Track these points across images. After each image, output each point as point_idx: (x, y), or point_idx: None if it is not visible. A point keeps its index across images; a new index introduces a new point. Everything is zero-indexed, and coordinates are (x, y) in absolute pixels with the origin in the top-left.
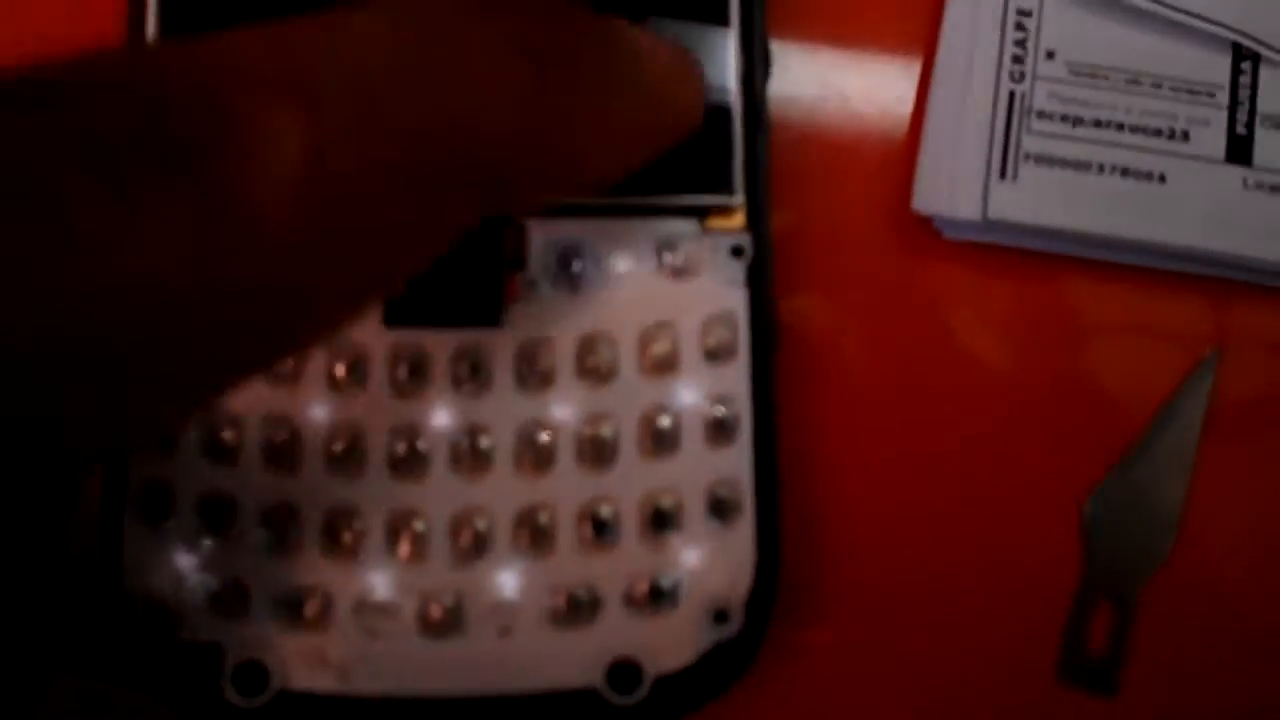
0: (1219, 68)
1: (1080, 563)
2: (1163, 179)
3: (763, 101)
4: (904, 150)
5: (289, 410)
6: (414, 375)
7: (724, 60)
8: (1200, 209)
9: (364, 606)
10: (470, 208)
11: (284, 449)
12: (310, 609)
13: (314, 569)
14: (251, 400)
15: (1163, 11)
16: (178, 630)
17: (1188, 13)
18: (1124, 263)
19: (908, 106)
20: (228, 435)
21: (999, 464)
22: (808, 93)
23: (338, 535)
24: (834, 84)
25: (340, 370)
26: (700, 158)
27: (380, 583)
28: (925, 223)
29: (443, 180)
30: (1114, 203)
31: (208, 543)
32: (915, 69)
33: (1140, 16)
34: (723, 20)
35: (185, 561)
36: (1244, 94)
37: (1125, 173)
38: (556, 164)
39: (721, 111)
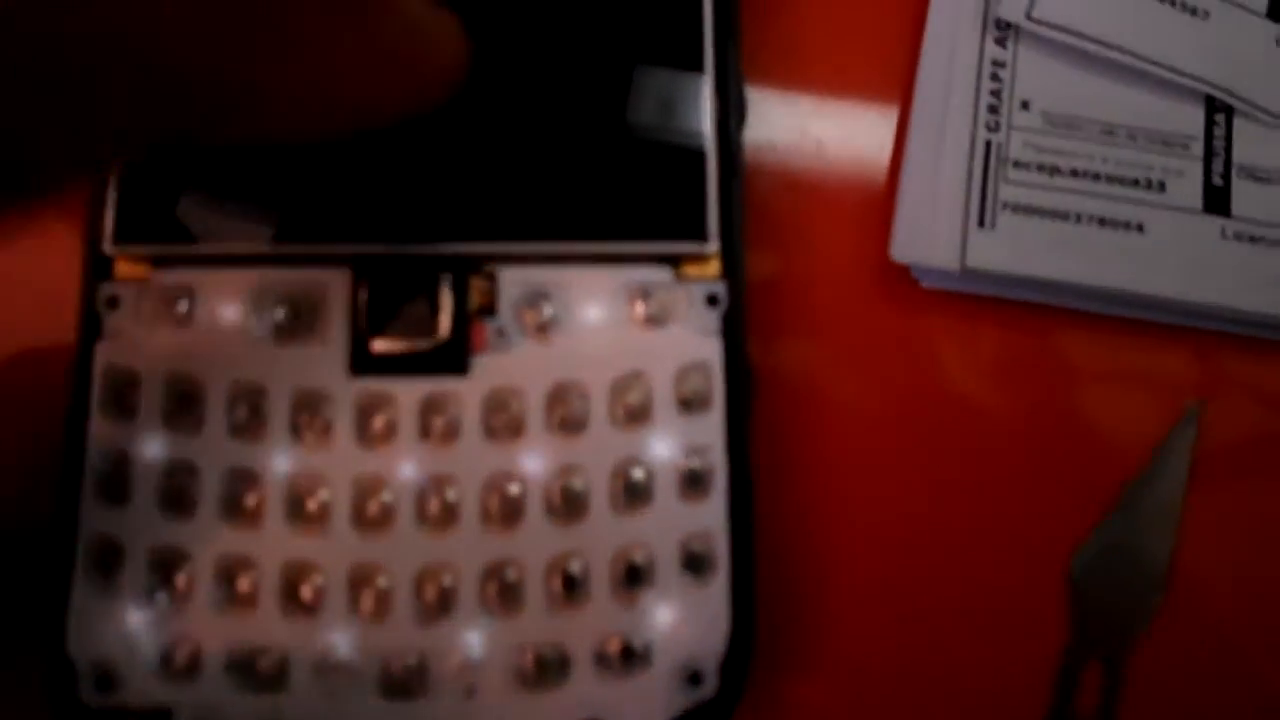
0: (1193, 119)
1: (1067, 618)
2: (1141, 229)
3: (738, 148)
4: (882, 198)
5: (249, 461)
6: (380, 426)
7: (699, 106)
8: (1179, 259)
9: (323, 666)
10: (137, 114)
11: (243, 501)
12: (266, 669)
13: (271, 627)
14: (210, 449)
15: (1135, 64)
16: (125, 693)
17: (1160, 65)
18: (1104, 312)
19: (885, 154)
20: (184, 486)
21: (982, 517)
22: (784, 139)
23: (296, 591)
24: (811, 130)
25: (305, 422)
26: (674, 204)
27: (341, 641)
28: (904, 271)
29: (95, 67)
30: (1093, 252)
31: (159, 598)
32: (893, 117)
33: (1114, 68)
34: (697, 66)
35: (135, 619)
36: (1219, 145)
37: (1103, 222)
38: (233, 88)
39: (696, 157)
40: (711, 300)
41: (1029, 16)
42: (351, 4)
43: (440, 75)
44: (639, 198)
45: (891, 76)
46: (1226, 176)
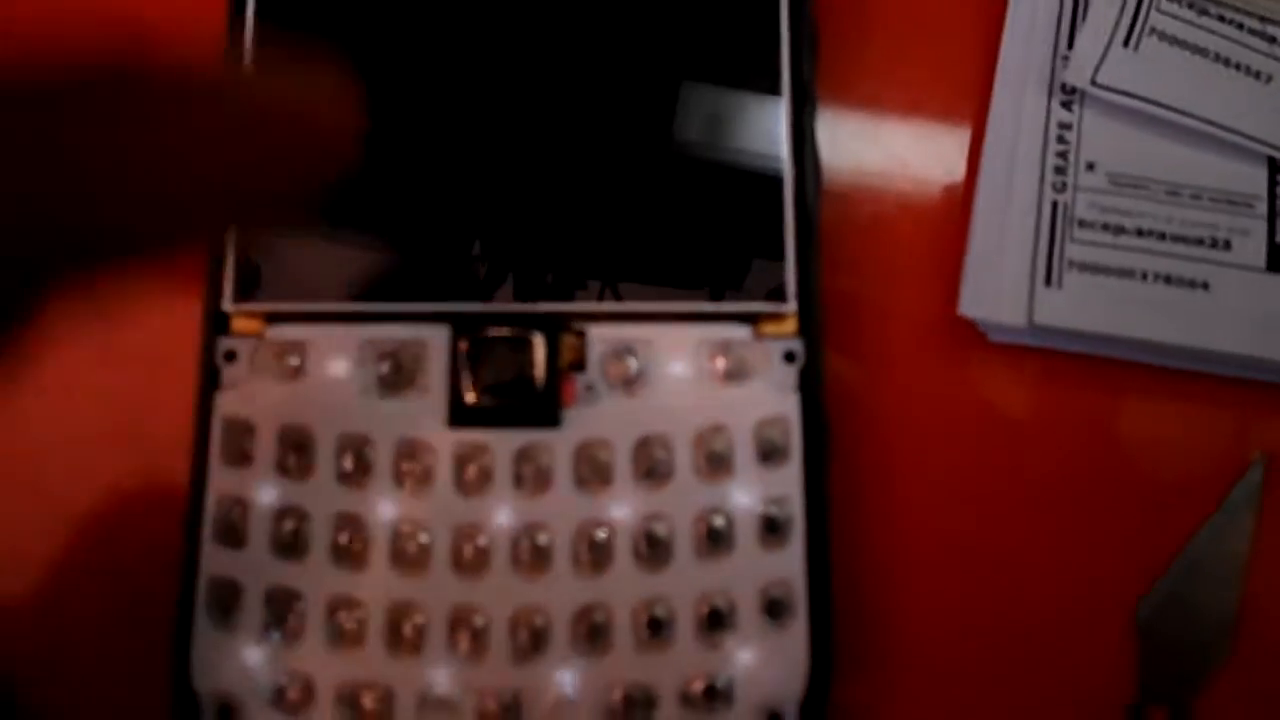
0: (1256, 179)
1: (1135, 668)
2: (1206, 286)
3: (815, 210)
4: (952, 253)
5: (355, 506)
6: (477, 474)
7: (777, 170)
8: (1244, 316)
9: (425, 702)
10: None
11: (349, 545)
12: (372, 703)
13: (376, 663)
14: (319, 496)
15: (1199, 126)
16: None
17: (1223, 127)
18: (1170, 366)
19: (954, 211)
20: (296, 530)
21: (1050, 564)
22: (857, 198)
23: (399, 630)
24: (882, 191)
25: (407, 470)
26: (754, 265)
27: (440, 678)
28: (972, 325)
29: None
30: (1159, 309)
31: (274, 636)
32: (960, 177)
33: (1177, 130)
34: (775, 131)
35: (252, 655)
36: None
37: (1169, 280)
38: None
39: (774, 219)
40: (789, 357)
41: (1094, 82)
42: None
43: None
44: (720, 259)
45: (961, 139)
46: None
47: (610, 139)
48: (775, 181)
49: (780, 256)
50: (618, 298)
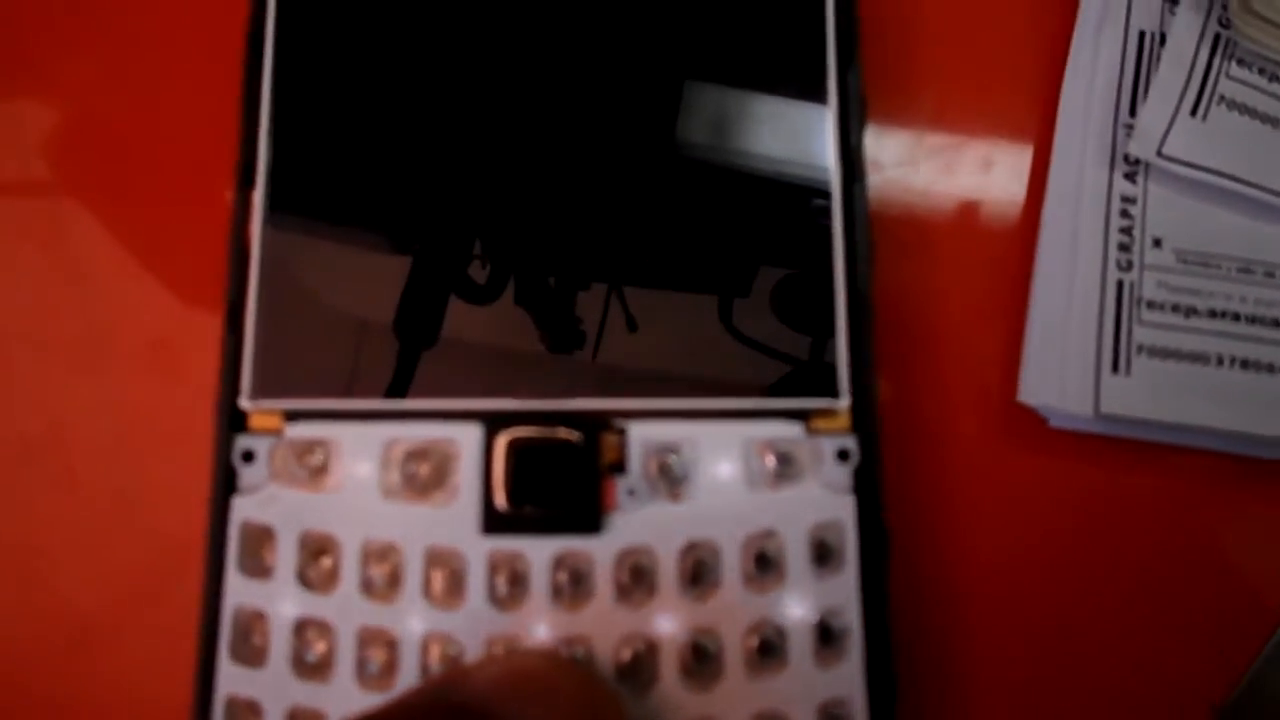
0: None
1: None
2: None
3: (868, 296)
4: (1010, 334)
5: (384, 623)
6: (512, 585)
7: (829, 258)
8: None
9: None
10: None
11: (378, 664)
12: None
13: None
14: (343, 608)
15: (1271, 199)
16: None
17: None
18: (1245, 454)
19: (1013, 289)
20: (320, 649)
21: (1122, 663)
22: (911, 281)
23: None
24: (935, 272)
25: (438, 581)
26: (804, 359)
27: None
28: (1032, 411)
29: None
30: (1234, 396)
31: None
32: (1020, 256)
33: (1248, 203)
34: (825, 223)
35: None
36: None
37: (1245, 365)
38: None
39: (825, 311)
40: (843, 455)
41: (1160, 153)
42: None
43: None
44: (769, 353)
45: (1019, 216)
46: None
47: (647, 242)
48: (826, 265)
49: (832, 350)
50: (661, 395)
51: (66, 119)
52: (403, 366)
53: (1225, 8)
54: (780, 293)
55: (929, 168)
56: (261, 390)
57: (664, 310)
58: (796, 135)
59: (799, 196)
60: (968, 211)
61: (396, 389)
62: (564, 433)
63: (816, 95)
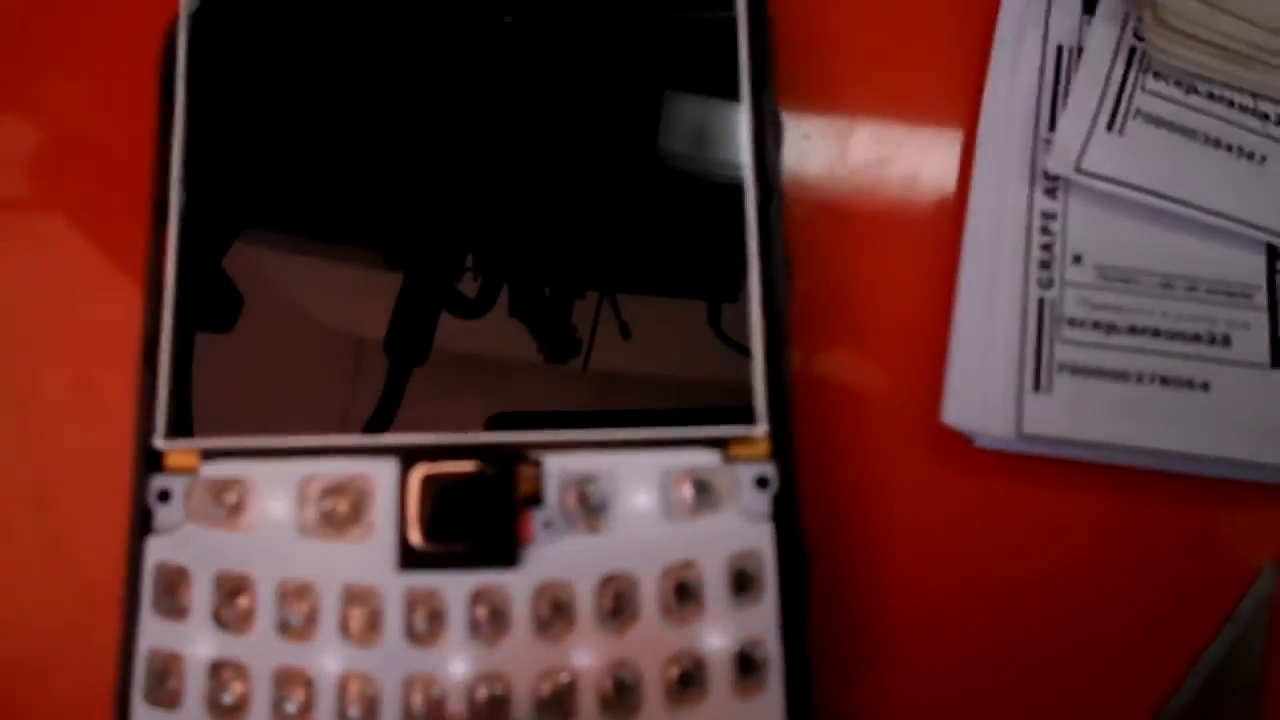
0: (1254, 268)
1: None
2: (1205, 387)
3: (784, 319)
4: (932, 358)
5: (301, 662)
6: (430, 621)
7: (745, 278)
8: (1248, 417)
9: None
10: None
11: (296, 704)
12: None
13: None
14: (259, 651)
15: (1190, 213)
16: None
17: (1216, 213)
18: (1168, 470)
19: (935, 308)
20: (237, 690)
21: (1049, 686)
22: (832, 301)
23: None
24: (858, 291)
25: (355, 619)
26: (720, 385)
27: None
28: (956, 431)
29: None
30: (1155, 413)
31: None
32: (943, 274)
33: (1168, 217)
34: (740, 238)
35: None
36: None
37: (1165, 381)
38: None
39: (739, 330)
40: (761, 482)
41: (1078, 169)
42: None
43: None
44: (684, 381)
45: (940, 235)
46: None
47: (568, 258)
48: (739, 286)
49: (748, 376)
50: (577, 426)
51: None
52: (317, 402)
53: (1140, 20)
54: (698, 323)
55: (850, 184)
56: (176, 429)
57: (581, 342)
58: (717, 161)
59: (712, 207)
60: (891, 228)
61: (311, 425)
62: (478, 466)
63: (731, 116)
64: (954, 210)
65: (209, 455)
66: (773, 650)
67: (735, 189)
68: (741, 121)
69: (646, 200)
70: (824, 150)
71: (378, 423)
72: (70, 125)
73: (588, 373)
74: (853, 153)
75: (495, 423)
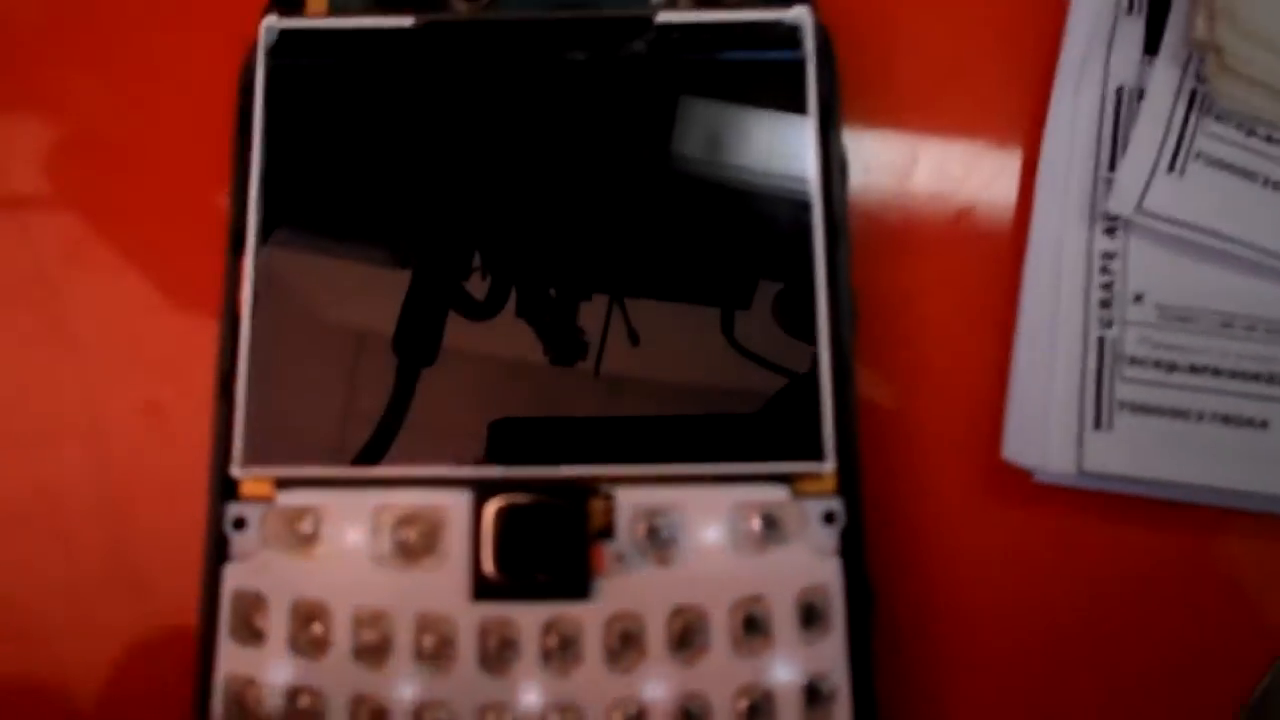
0: None
1: None
2: (1265, 425)
3: (851, 365)
4: (992, 393)
5: (373, 687)
6: (502, 650)
7: (813, 319)
8: None
9: None
10: None
11: None
12: None
13: None
14: (335, 675)
15: (1249, 254)
16: None
17: (1275, 254)
18: (1230, 506)
19: (997, 344)
20: (310, 715)
21: (1109, 718)
22: (894, 339)
23: None
24: (918, 330)
25: (428, 645)
26: (789, 422)
27: None
28: (1015, 466)
29: None
30: (1216, 452)
31: None
32: (1003, 311)
33: (1228, 258)
34: (809, 282)
35: None
36: None
37: (1226, 420)
38: None
39: (809, 375)
40: (829, 518)
41: (1139, 209)
42: None
43: None
44: (754, 417)
45: (1001, 273)
46: None
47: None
48: (809, 330)
49: (816, 413)
50: (649, 461)
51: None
52: (392, 433)
53: (1202, 63)
54: (767, 361)
55: (910, 216)
56: (252, 458)
57: (655, 379)
58: (780, 205)
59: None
60: (951, 262)
61: (387, 456)
62: (552, 499)
63: (800, 164)
64: (1014, 245)
65: (284, 484)
66: (840, 683)
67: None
68: (809, 163)
69: (702, 220)
70: (885, 182)
71: (453, 455)
72: (139, 149)
73: (662, 414)
74: (913, 185)
75: (569, 457)
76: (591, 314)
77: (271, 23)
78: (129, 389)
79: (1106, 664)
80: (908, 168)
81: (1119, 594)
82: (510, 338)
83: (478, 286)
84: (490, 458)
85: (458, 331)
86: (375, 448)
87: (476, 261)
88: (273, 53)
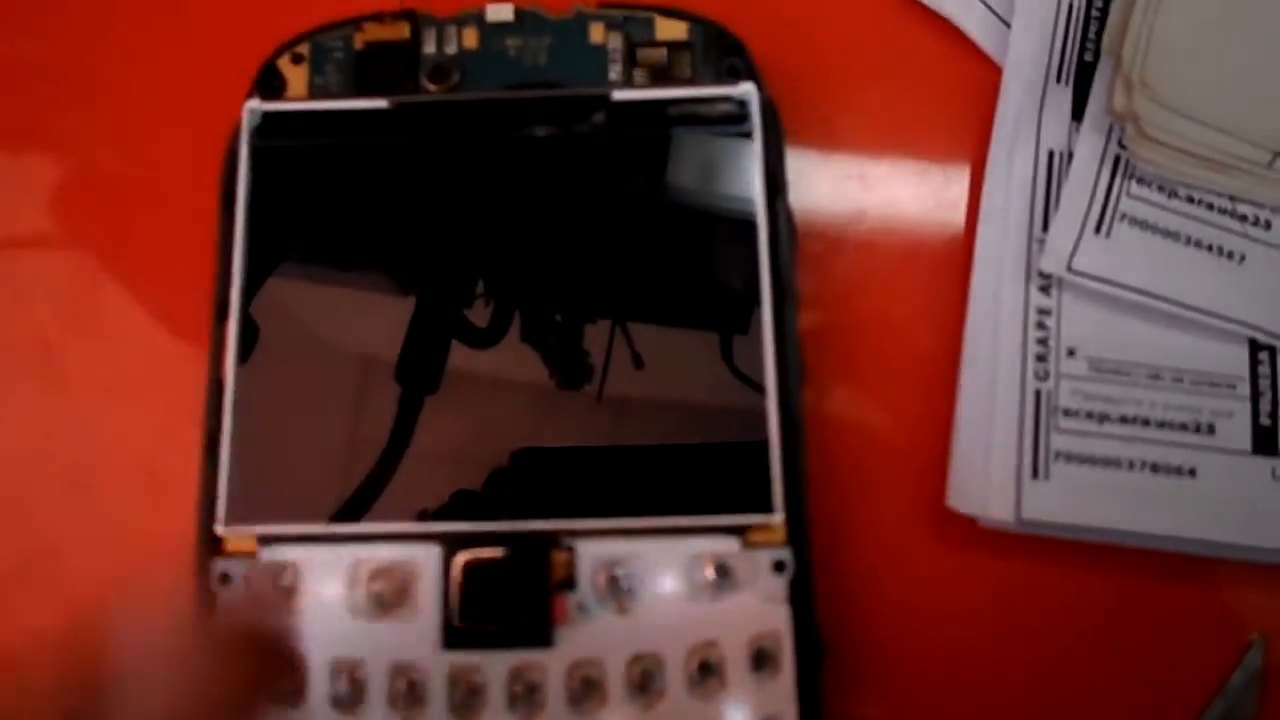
0: (1237, 360)
1: None
2: (1193, 473)
3: (799, 414)
4: (938, 442)
5: None
6: (470, 697)
7: (760, 374)
8: (1232, 503)
9: None
10: None
11: None
12: None
13: None
14: None
15: (1175, 310)
16: None
17: (1200, 310)
18: (1161, 550)
19: (941, 400)
20: None
21: None
22: (839, 388)
23: None
24: (865, 378)
25: (401, 692)
26: (739, 476)
27: None
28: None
29: None
30: (1146, 499)
31: None
32: (948, 363)
33: (1155, 314)
34: (754, 333)
35: None
36: (1264, 384)
37: (1155, 468)
38: None
39: (758, 429)
40: (779, 567)
41: (1069, 269)
42: None
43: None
44: (705, 473)
45: (944, 327)
46: (1274, 416)
47: (591, 363)
48: (757, 388)
49: (765, 468)
50: (608, 515)
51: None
52: (368, 491)
53: (1123, 131)
54: (717, 415)
55: (857, 278)
56: (236, 516)
57: (609, 435)
58: (733, 261)
59: (732, 311)
60: (896, 319)
61: (362, 513)
62: (516, 553)
63: (748, 229)
64: (959, 298)
65: (265, 541)
66: None
67: (750, 296)
68: (758, 228)
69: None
70: (831, 235)
71: (423, 513)
72: (140, 192)
73: (619, 469)
74: (859, 236)
75: (530, 508)
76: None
77: (255, 105)
78: (126, 447)
79: (1049, 704)
80: (856, 220)
81: (1060, 635)
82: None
83: (463, 340)
84: (458, 515)
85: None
86: (351, 504)
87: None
88: (257, 133)
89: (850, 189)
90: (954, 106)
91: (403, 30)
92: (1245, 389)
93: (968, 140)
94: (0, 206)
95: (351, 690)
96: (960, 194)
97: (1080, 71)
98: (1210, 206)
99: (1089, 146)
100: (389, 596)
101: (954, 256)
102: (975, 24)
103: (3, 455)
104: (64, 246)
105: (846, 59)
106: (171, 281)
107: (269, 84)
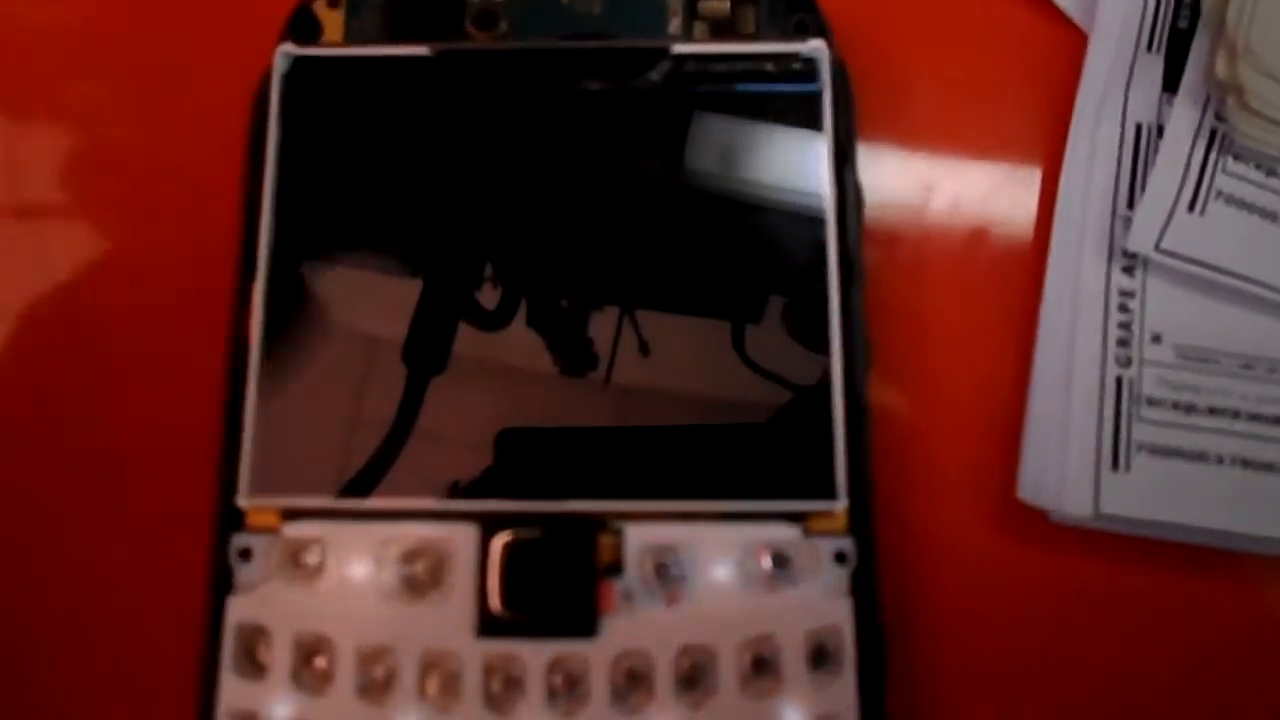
0: None
1: None
2: None
3: (864, 396)
4: (1008, 430)
5: None
6: (508, 688)
7: (826, 358)
8: None
9: None
10: None
11: None
12: None
13: None
14: (337, 714)
15: (1270, 295)
16: None
17: None
18: (1249, 551)
19: (1012, 382)
20: None
21: None
22: (904, 373)
23: None
24: (932, 365)
25: (433, 684)
26: (801, 460)
27: None
28: (1030, 505)
29: None
30: (1234, 497)
31: None
32: (1019, 348)
33: (1248, 299)
34: (822, 317)
35: None
36: None
37: (1246, 464)
38: None
39: (822, 412)
40: (840, 558)
41: (1158, 248)
42: None
43: None
44: (766, 455)
45: (1017, 308)
46: None
47: (650, 341)
48: (823, 368)
49: (829, 452)
50: (659, 497)
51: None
52: (400, 465)
53: (1222, 103)
54: (780, 397)
55: (925, 258)
56: (259, 488)
57: (667, 416)
58: (795, 235)
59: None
60: (966, 300)
61: (393, 488)
62: (560, 534)
63: (815, 198)
64: (1032, 279)
65: (290, 515)
66: None
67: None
68: (824, 196)
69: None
70: (901, 212)
71: (460, 489)
72: (157, 162)
73: (672, 449)
74: (929, 215)
75: (576, 492)
76: (602, 328)
77: (287, 50)
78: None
79: (1124, 707)
80: (924, 197)
81: (1133, 636)
82: (521, 350)
83: (489, 297)
84: (497, 482)
85: (468, 344)
86: (383, 478)
87: (489, 274)
88: (287, 80)
89: (919, 161)
90: (1034, 74)
91: None
92: None
93: (1047, 111)
94: (19, 172)
95: (379, 679)
96: (1037, 168)
97: (1173, 39)
98: None
99: (1183, 119)
100: (421, 578)
101: (1029, 235)
102: None
103: (21, 421)
104: (82, 213)
105: (919, 22)
106: (200, 234)
107: (302, 28)
